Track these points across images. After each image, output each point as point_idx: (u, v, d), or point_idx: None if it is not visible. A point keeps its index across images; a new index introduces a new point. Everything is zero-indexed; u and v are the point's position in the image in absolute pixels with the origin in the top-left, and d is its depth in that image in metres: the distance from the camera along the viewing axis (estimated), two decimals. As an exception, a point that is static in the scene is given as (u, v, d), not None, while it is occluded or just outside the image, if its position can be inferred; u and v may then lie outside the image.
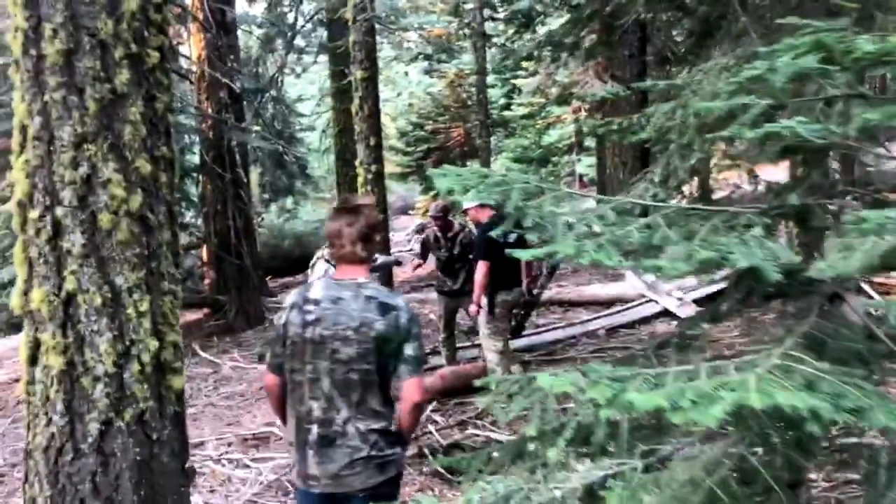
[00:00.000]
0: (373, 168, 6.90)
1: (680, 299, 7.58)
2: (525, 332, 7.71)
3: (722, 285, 7.49)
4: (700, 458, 1.60)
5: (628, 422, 1.91)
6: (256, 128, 13.12)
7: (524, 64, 15.81)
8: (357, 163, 7.01)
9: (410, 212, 17.21)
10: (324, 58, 19.65)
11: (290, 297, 2.65)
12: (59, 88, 2.50)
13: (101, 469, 2.56)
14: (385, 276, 7.68)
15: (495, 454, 2.22)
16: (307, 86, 26.45)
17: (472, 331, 7.01)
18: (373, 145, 6.87)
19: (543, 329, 7.82)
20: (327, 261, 6.55)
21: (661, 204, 1.97)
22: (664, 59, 12.48)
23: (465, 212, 6.11)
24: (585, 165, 25.87)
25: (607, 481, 1.82)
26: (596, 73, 10.01)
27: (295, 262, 17.98)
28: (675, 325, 7.36)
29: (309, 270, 6.54)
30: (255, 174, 17.96)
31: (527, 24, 14.42)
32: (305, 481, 2.54)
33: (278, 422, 6.44)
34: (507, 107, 16.42)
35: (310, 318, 2.51)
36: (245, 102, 13.56)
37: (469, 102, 14.17)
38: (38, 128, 2.51)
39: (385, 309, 2.49)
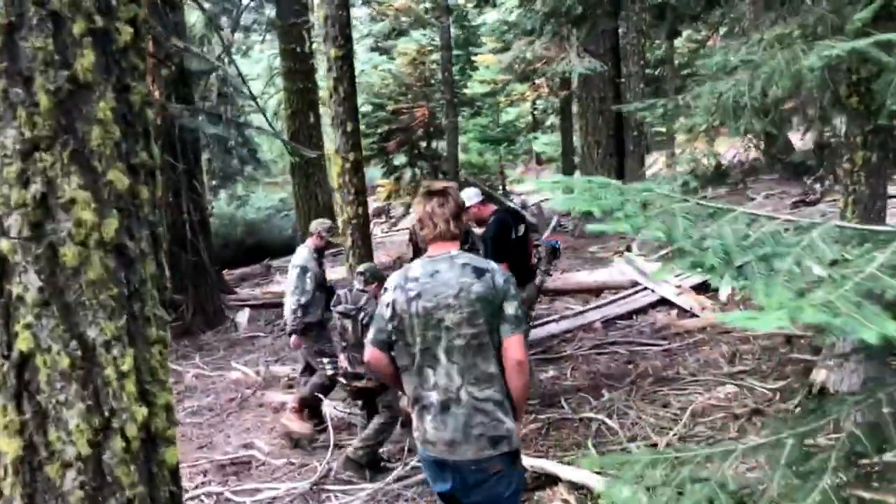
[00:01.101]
0: (351, 157, 6.24)
1: (678, 287, 7.17)
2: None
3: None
4: None
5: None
6: (209, 108, 12.20)
7: (485, 39, 15.22)
8: (333, 151, 6.34)
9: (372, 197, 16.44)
10: (270, 36, 18.69)
11: (391, 279, 2.75)
12: (-2, 77, 1.84)
13: (78, 585, 1.93)
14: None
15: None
16: (252, 65, 25.32)
17: None
18: (350, 131, 6.20)
19: (535, 323, 7.31)
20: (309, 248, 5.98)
21: (879, 228, 1.43)
22: (674, 32, 12.01)
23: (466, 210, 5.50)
24: (542, 143, 25.48)
25: None
26: (572, 47, 9.47)
27: (248, 251, 17.17)
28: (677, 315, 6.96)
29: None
30: (202, 160, 17.00)
31: (487, -1, 13.83)
32: (424, 444, 2.66)
33: (258, 442, 5.85)
34: (464, 85, 15.76)
35: (412, 294, 2.61)
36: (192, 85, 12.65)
37: (432, 80, 13.50)
38: (-29, 132, 1.85)
39: (479, 272, 2.59)
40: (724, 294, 7.09)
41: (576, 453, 4.44)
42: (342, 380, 4.87)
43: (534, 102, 21.89)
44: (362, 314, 4.66)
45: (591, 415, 4.94)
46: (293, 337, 5.76)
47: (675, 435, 4.46)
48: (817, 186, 11.07)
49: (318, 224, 6.01)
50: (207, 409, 6.86)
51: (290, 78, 15.55)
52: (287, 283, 5.93)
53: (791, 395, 4.71)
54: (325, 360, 5.53)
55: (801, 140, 16.41)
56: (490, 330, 2.54)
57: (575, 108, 14.83)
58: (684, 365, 5.61)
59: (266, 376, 7.36)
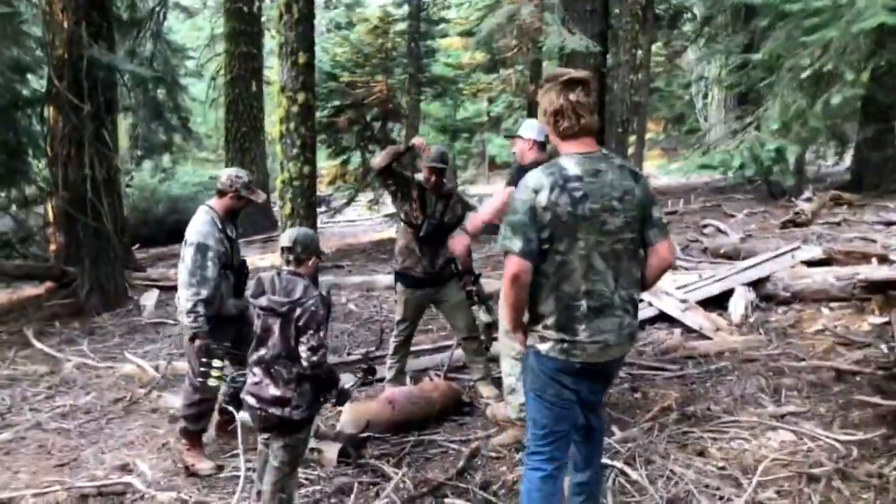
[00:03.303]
0: (300, 97, 4.81)
1: (683, 301, 5.96)
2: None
3: (730, 284, 5.84)
4: None
5: None
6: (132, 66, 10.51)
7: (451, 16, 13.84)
8: (278, 89, 4.89)
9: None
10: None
11: (540, 179, 2.46)
12: None
13: None
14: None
15: None
16: (195, 32, 23.45)
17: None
18: (301, 64, 4.77)
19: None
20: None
21: None
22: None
23: (513, 138, 4.15)
24: (497, 146, 24.29)
25: None
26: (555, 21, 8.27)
27: (169, 229, 15.35)
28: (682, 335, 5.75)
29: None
30: (125, 123, 15.12)
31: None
32: (568, 353, 2.53)
33: (140, 463, 4.31)
34: (427, 66, 14.32)
35: (578, 194, 2.44)
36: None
37: (394, 53, 12.06)
38: None
39: (636, 176, 2.58)
40: (736, 313, 5.92)
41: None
42: (251, 400, 3.25)
43: (490, 101, 20.66)
44: (298, 311, 3.06)
45: (604, 460, 3.62)
46: (197, 341, 3.96)
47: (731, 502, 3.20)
48: (807, 207, 10.14)
49: (231, 176, 4.18)
50: (83, 412, 5.28)
51: (234, 40, 13.93)
52: (181, 265, 4.09)
53: (875, 452, 3.51)
54: (215, 363, 3.90)
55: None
56: (638, 235, 2.57)
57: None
58: (715, 399, 4.36)
59: (166, 373, 5.80)
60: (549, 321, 2.51)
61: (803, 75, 3.18)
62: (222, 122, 15.11)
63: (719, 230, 9.82)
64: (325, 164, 13.80)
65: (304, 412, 3.17)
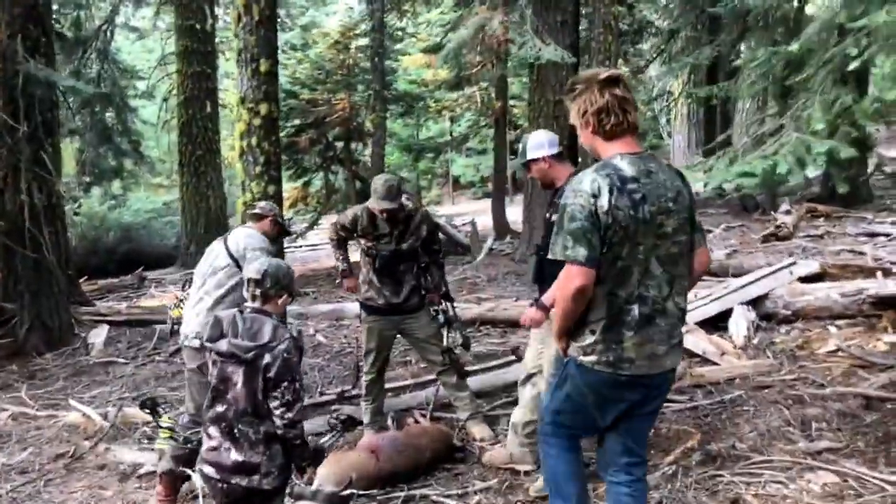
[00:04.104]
0: (262, 109, 4.30)
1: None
2: (472, 368, 5.40)
3: (729, 303, 5.47)
4: None
5: None
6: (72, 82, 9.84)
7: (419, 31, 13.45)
8: (237, 100, 4.36)
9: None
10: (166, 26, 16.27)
11: (596, 181, 2.26)
12: None
13: None
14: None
15: None
16: (146, 55, 22.68)
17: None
18: (263, 71, 4.27)
19: (497, 364, 5.52)
20: None
21: None
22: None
23: (527, 165, 3.65)
24: (461, 166, 23.90)
25: None
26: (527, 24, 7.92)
27: (120, 259, 14.65)
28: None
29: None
30: (72, 148, 14.33)
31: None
32: (616, 365, 2.37)
33: None
34: (391, 83, 13.87)
35: (637, 196, 2.29)
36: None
37: (357, 70, 11.56)
38: None
39: (682, 177, 2.47)
40: (738, 335, 5.52)
41: None
42: (209, 470, 2.64)
43: (453, 121, 20.26)
44: (267, 358, 2.54)
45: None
46: None
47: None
48: (788, 220, 9.90)
49: (270, 203, 4.32)
50: (18, 472, 4.61)
51: (186, 59, 13.29)
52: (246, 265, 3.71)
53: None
54: (163, 423, 3.56)
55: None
56: (690, 236, 2.43)
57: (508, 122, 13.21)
58: (738, 435, 3.91)
59: (116, 421, 5.16)
60: (596, 327, 2.35)
61: (851, 67, 2.80)
62: (175, 146, 14.44)
63: (700, 246, 9.52)
64: (286, 187, 13.13)
65: (276, 479, 2.63)
